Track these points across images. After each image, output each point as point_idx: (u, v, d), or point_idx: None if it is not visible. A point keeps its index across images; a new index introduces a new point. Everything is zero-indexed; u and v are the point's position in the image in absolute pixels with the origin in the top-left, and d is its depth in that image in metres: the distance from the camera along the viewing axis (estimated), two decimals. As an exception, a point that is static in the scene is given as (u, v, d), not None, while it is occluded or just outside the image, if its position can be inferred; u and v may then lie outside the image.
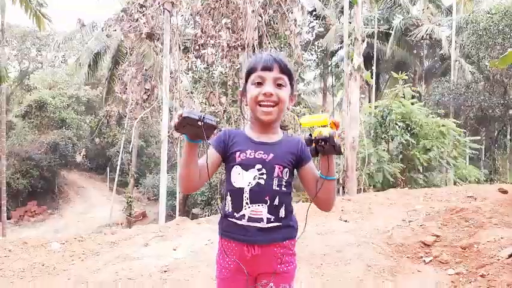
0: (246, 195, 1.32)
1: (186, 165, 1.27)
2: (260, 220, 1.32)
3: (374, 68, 17.27)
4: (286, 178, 1.35)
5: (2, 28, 12.45)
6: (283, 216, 1.35)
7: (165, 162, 7.14)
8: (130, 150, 18.03)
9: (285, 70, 1.35)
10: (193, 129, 1.15)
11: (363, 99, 13.24)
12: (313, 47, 19.37)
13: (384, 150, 10.79)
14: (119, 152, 16.50)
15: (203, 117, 1.13)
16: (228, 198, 1.36)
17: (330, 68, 20.51)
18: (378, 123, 10.92)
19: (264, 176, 1.32)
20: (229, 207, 1.36)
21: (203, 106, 9.77)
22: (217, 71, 12.04)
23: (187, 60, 8.02)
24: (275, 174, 1.33)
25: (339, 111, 21.19)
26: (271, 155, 1.34)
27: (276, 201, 1.33)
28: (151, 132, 23.10)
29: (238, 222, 1.33)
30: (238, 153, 1.35)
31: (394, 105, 10.46)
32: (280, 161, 1.35)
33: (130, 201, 16.79)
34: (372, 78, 14.37)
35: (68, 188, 24.81)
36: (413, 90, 10.96)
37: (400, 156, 11.35)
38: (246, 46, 8.24)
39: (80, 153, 23.84)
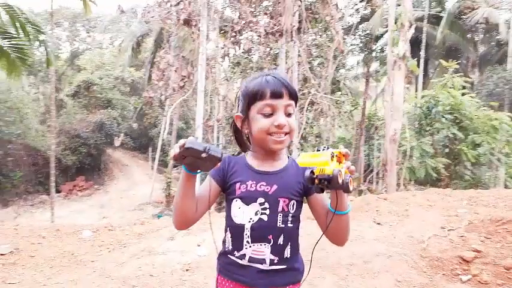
0: (247, 232, 1.18)
1: (181, 198, 1.15)
2: (262, 261, 1.17)
3: (422, 53, 16.26)
4: (292, 212, 1.20)
5: (51, 12, 12.98)
6: (288, 256, 1.20)
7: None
8: (170, 132, 18.46)
9: (293, 95, 1.21)
10: (194, 161, 1.04)
11: (408, 89, 12.50)
12: (357, 30, 18.52)
13: (428, 143, 10.22)
14: (160, 133, 16.96)
15: (208, 149, 1.02)
16: (228, 234, 1.23)
17: (374, 52, 19.59)
18: (422, 115, 10.32)
19: (267, 211, 1.18)
20: (229, 244, 1.22)
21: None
22: (256, 56, 11.86)
23: (223, 47, 7.91)
24: (280, 209, 1.18)
25: (382, 98, 20.33)
26: (275, 186, 1.20)
27: (281, 240, 1.18)
28: (192, 114, 23.50)
29: (239, 261, 1.20)
30: (238, 185, 1.21)
31: (441, 95, 9.80)
32: (285, 192, 1.19)
33: (169, 182, 17.29)
34: (419, 66, 13.53)
35: (112, 166, 25.99)
36: (464, 81, 10.18)
37: (446, 150, 10.71)
38: (284, 32, 7.98)
39: (118, 138, 24.77)
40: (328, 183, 0.99)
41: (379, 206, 4.97)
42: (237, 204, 1.21)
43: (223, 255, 1.26)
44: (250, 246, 1.18)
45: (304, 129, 10.41)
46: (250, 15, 7.95)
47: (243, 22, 7.93)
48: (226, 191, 1.25)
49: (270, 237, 1.17)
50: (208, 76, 7.84)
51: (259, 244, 1.17)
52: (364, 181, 16.27)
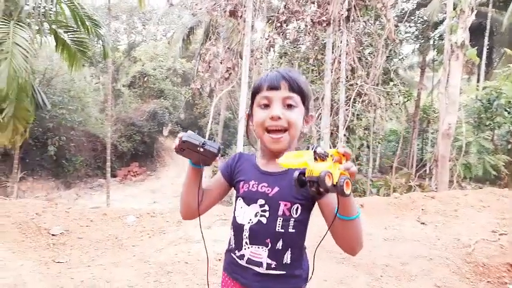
0: (246, 233, 1.15)
1: (185, 189, 1.18)
2: (259, 264, 1.13)
3: (486, 41, 15.00)
4: (296, 216, 1.12)
5: (108, 6, 13.67)
6: (288, 262, 1.13)
7: (241, 141, 7.25)
8: (218, 122, 18.83)
9: (295, 88, 1.14)
10: (193, 154, 1.07)
11: (468, 79, 11.63)
12: (413, 17, 17.49)
13: (487, 139, 9.49)
14: (207, 123, 17.38)
15: (203, 143, 1.04)
16: (232, 232, 1.22)
17: (432, 40, 18.41)
18: (482, 108, 9.59)
19: (267, 214, 1.13)
20: (232, 242, 1.21)
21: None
22: (303, 46, 11.65)
23: (267, 38, 7.86)
24: (280, 213, 1.12)
25: (438, 89, 19.14)
26: (276, 189, 1.13)
27: (279, 245, 1.12)
28: (238, 105, 23.74)
29: (239, 261, 1.17)
30: (242, 184, 1.20)
31: (504, 87, 9.01)
32: (287, 196, 1.12)
33: (215, 170, 17.72)
34: (482, 55, 12.50)
35: (164, 153, 27.14)
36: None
37: (508, 147, 9.89)
38: (331, 21, 7.74)
39: (166, 127, 25.69)
40: (318, 185, 0.87)
41: (425, 204, 4.72)
42: (239, 203, 1.19)
43: (227, 252, 1.25)
44: (248, 248, 1.15)
45: (351, 121, 10.11)
46: (296, 4, 7.80)
47: (289, 11, 7.81)
48: (235, 188, 1.24)
49: (268, 241, 1.12)
50: (253, 67, 7.84)
51: (256, 246, 1.14)
52: (416, 177, 15.50)
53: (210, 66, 8.08)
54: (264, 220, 1.13)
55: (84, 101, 18.89)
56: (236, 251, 1.18)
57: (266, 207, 1.13)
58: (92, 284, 2.55)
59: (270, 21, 9.40)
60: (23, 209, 3.51)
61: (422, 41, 17.94)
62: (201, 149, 1.04)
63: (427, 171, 15.44)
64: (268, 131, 1.14)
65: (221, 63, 7.97)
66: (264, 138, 1.15)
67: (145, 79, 24.95)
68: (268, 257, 1.12)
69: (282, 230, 1.11)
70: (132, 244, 3.26)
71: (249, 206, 1.16)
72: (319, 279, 2.61)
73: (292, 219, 1.12)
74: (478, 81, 15.90)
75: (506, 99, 8.95)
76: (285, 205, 1.12)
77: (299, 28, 8.71)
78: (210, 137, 19.55)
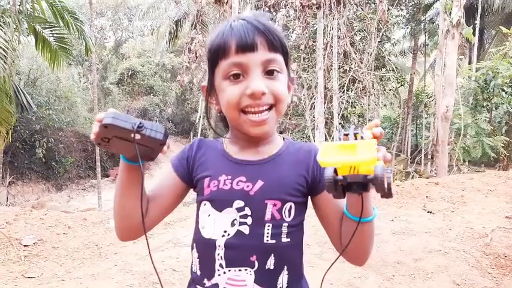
0: (220, 252, 0.78)
1: (121, 199, 0.78)
2: None
3: (478, 22, 14.77)
4: (289, 219, 0.80)
5: (90, 1, 13.17)
6: (285, 286, 0.81)
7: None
8: (210, 116, 18.48)
9: (276, 44, 0.78)
10: (124, 145, 0.67)
11: (461, 60, 11.38)
12: (404, 0, 17.20)
13: (485, 120, 9.27)
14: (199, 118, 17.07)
15: (139, 126, 0.65)
16: (195, 253, 0.84)
17: (423, 24, 18.14)
18: (479, 89, 9.34)
19: (249, 220, 0.78)
20: (196, 268, 0.84)
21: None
22: (294, 34, 11.31)
23: (256, 24, 7.48)
24: (267, 217, 0.78)
25: (431, 74, 18.94)
26: (260, 183, 0.80)
27: (270, 263, 0.78)
28: (230, 98, 23.44)
29: None
30: (207, 181, 0.82)
31: (501, 67, 8.76)
32: (275, 192, 0.79)
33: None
34: (474, 35, 12.27)
35: (157, 151, 26.77)
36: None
37: (505, 127, 9.68)
38: (322, 4, 7.40)
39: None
40: (363, 188, 0.60)
41: (430, 191, 4.46)
42: (206, 209, 0.82)
43: (190, 282, 0.88)
44: (224, 273, 0.79)
45: (346, 108, 9.82)
46: (284, -13, 7.46)
47: (277, -4, 7.45)
48: (195, 189, 0.87)
49: (253, 259, 0.78)
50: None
51: (237, 269, 0.78)
52: (412, 162, 15.34)
53: (197, 57, 7.70)
54: (245, 230, 0.78)
55: (71, 101, 18.48)
56: (205, 281, 0.81)
57: (247, 211, 0.79)
58: (66, 302, 2.24)
59: (258, 8, 9.04)
60: (-8, 218, 3.17)
61: (414, 24, 17.66)
62: (137, 136, 0.65)
63: (423, 157, 15.27)
64: (246, 112, 0.78)
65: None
66: (240, 121, 0.80)
67: (133, 76, 24.49)
68: (256, 282, 0.78)
69: (273, 241, 0.78)
70: (113, 252, 2.94)
71: (221, 211, 0.80)
72: (324, 282, 2.32)
73: (285, 224, 0.79)
74: (469, 62, 15.70)
75: (503, 79, 8.71)
76: (274, 205, 0.79)
77: (288, 14, 8.36)
78: (202, 132, 19.21)
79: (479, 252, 2.63)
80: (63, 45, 10.19)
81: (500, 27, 10.64)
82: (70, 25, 9.61)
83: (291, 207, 0.80)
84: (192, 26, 16.38)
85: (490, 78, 8.89)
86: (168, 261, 2.72)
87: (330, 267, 0.80)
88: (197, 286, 0.83)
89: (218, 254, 0.78)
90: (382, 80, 11.88)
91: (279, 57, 0.79)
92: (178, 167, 0.86)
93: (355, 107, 10.81)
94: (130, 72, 24.75)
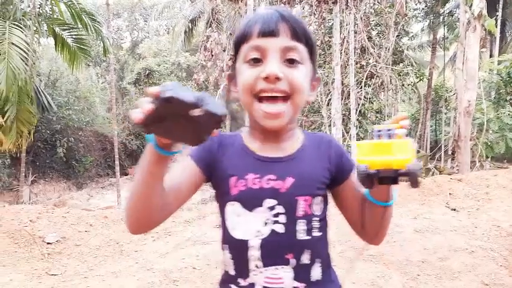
0: (255, 253, 0.78)
1: (143, 190, 0.70)
2: None
3: (499, 14, 14.31)
4: (319, 213, 0.81)
5: (107, 1, 13.36)
6: (319, 278, 0.82)
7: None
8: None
9: (299, 34, 0.77)
10: (176, 126, 0.58)
11: (483, 53, 11.07)
12: (422, -7, 16.80)
13: (509, 115, 8.98)
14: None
15: (202, 100, 0.55)
16: (227, 254, 0.83)
17: (442, 17, 17.69)
18: (501, 83, 9.06)
19: (282, 219, 0.78)
20: (229, 267, 0.83)
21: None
22: (310, 29, 11.16)
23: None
24: (300, 213, 0.79)
25: (450, 68, 18.48)
26: (290, 180, 0.79)
27: (306, 258, 0.80)
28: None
29: None
30: (233, 180, 0.80)
31: (525, 59, 8.47)
32: (306, 187, 0.80)
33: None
34: (496, 27, 11.90)
35: (174, 148, 27.03)
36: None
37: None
38: (338, -1, 7.28)
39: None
40: (394, 181, 0.63)
41: (452, 188, 4.34)
42: (234, 210, 0.80)
43: (223, 283, 0.86)
44: (261, 272, 0.79)
45: (363, 105, 9.67)
46: (300, -17, 7.37)
47: (292, -9, 7.37)
48: (215, 188, 0.84)
49: (290, 256, 0.78)
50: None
51: (274, 268, 0.78)
52: (432, 159, 15.03)
53: (212, 55, 7.71)
54: (279, 228, 0.78)
55: (90, 101, 18.85)
56: (240, 280, 0.81)
57: (279, 209, 0.78)
58: (89, 299, 2.26)
59: (273, 4, 8.97)
60: (16, 216, 3.24)
61: (432, 17, 17.24)
62: (199, 111, 0.55)
63: (443, 154, 14.92)
64: (260, 99, 0.76)
65: (224, 51, 7.59)
66: (253, 110, 0.78)
67: (150, 76, 24.76)
68: (295, 278, 0.79)
69: (308, 237, 0.79)
70: (134, 249, 2.97)
71: (251, 211, 0.79)
72: (347, 281, 2.28)
73: (316, 219, 0.81)
74: (490, 56, 15.24)
75: (528, 72, 8.41)
76: (305, 201, 0.79)
77: (304, 8, 8.28)
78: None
79: (507, 251, 2.53)
80: (81, 47, 10.36)
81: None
82: (88, 26, 9.76)
83: (320, 200, 0.82)
84: (207, 24, 16.44)
85: (513, 71, 8.61)
86: (188, 259, 2.72)
87: (351, 267, 0.77)
88: (231, 285, 0.83)
89: (253, 255, 0.78)
90: (400, 75, 11.65)
91: (301, 47, 0.78)
92: (200, 160, 0.82)
93: (372, 103, 10.64)
94: (146, 72, 25.03)
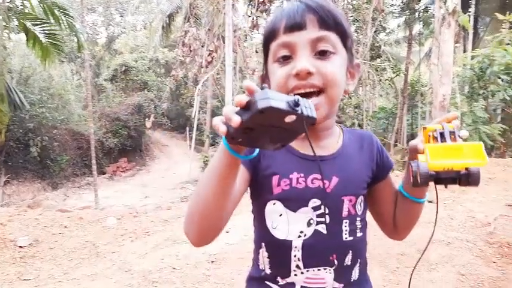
0: (297, 253, 0.76)
1: (215, 197, 0.63)
2: None
3: (472, 10, 14.70)
4: (360, 213, 0.80)
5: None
6: (356, 278, 0.81)
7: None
8: (205, 111, 18.43)
9: (329, 22, 0.72)
10: (263, 134, 0.53)
11: (457, 48, 11.34)
12: (398, -11, 17.07)
13: (482, 108, 9.26)
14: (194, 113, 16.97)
15: (296, 103, 0.49)
16: (264, 253, 0.81)
17: (417, 13, 18.04)
18: (475, 77, 9.32)
19: (326, 219, 0.76)
20: (265, 266, 0.81)
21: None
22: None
23: (250, 16, 7.38)
24: (344, 213, 0.78)
25: (426, 63, 18.89)
26: (335, 179, 0.77)
27: (348, 260, 0.78)
28: (224, 92, 23.30)
29: None
30: (276, 179, 0.77)
31: (497, 54, 8.73)
32: (351, 187, 0.79)
33: (206, 161, 17.35)
34: (469, 22, 12.23)
35: (153, 146, 26.64)
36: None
37: (501, 115, 9.69)
38: (316, -5, 7.27)
39: (149, 119, 25.15)
40: (453, 181, 0.63)
41: (429, 181, 4.42)
42: (275, 209, 0.77)
43: (256, 280, 0.84)
44: (302, 273, 0.77)
45: (342, 100, 9.76)
46: (277, -22, 7.33)
47: (270, -14, 7.33)
48: (254, 186, 0.80)
49: (333, 257, 0.77)
50: (237, 49, 7.38)
51: (316, 269, 0.76)
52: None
53: (191, 50, 7.59)
54: (323, 229, 0.76)
55: (65, 99, 18.32)
56: (278, 279, 0.79)
57: (324, 210, 0.76)
58: (64, 303, 2.18)
59: (251, 0, 8.91)
60: (-15, 220, 3.09)
61: (408, 13, 17.56)
62: (292, 117, 0.50)
63: (420, 146, 15.24)
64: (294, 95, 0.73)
65: (202, 46, 7.48)
66: None
67: (127, 72, 24.25)
68: (336, 279, 0.78)
69: (351, 238, 0.78)
70: (111, 251, 2.89)
71: (295, 211, 0.76)
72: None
73: (359, 219, 0.80)
74: (464, 51, 15.66)
75: (499, 66, 8.68)
76: (350, 201, 0.78)
77: (282, 3, 8.27)
78: (198, 127, 19.08)
79: (483, 241, 2.60)
80: (54, 42, 10.01)
81: (496, 13, 10.59)
82: (61, 21, 9.44)
83: (361, 200, 0.81)
84: (185, 19, 16.20)
85: (486, 66, 8.86)
86: (167, 259, 2.67)
87: (416, 264, 0.85)
88: (268, 283, 0.80)
89: (295, 256, 0.76)
90: (377, 70, 11.83)
91: (332, 36, 0.73)
92: (246, 160, 0.75)
93: (351, 98, 10.76)
94: (123, 68, 24.50)
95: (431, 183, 0.67)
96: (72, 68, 24.26)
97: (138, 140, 24.28)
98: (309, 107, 0.51)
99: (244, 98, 0.49)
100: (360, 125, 13.51)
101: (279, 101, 0.48)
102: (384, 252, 2.52)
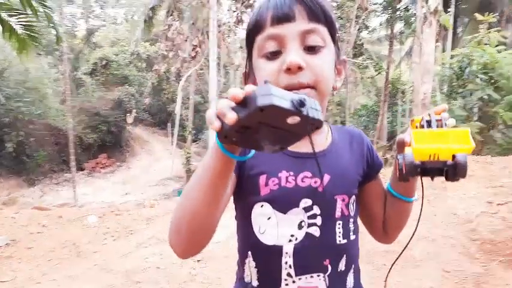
0: (288, 260, 0.70)
1: (206, 202, 0.57)
2: None
3: (452, 10, 15.01)
4: (353, 214, 0.75)
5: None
6: (351, 286, 0.76)
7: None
8: (187, 106, 18.23)
9: (318, 14, 0.67)
10: (262, 134, 0.48)
11: (437, 47, 11.57)
12: (380, -12, 17.27)
13: (460, 107, 9.49)
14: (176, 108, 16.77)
15: (301, 103, 0.44)
16: (250, 262, 0.74)
17: (398, 12, 18.32)
18: (454, 76, 9.51)
19: (318, 220, 0.70)
20: (251, 278, 0.74)
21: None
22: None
23: (235, 11, 7.31)
24: (337, 214, 0.72)
25: (406, 62, 19.23)
26: (327, 177, 0.72)
27: (342, 265, 0.73)
28: (208, 88, 23.10)
29: None
30: (263, 179, 0.71)
31: (475, 53, 8.94)
32: (343, 185, 0.74)
33: (188, 157, 17.19)
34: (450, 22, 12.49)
35: (133, 142, 26.22)
36: (502, 36, 9.26)
37: (478, 113, 9.95)
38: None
39: (130, 114, 24.75)
40: (440, 173, 0.60)
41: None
42: (264, 212, 0.71)
43: None
44: (294, 282, 0.70)
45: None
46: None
47: (255, -18, 7.27)
48: (239, 189, 0.73)
49: (327, 262, 0.71)
50: (221, 45, 7.29)
51: (309, 276, 0.70)
52: (389, 149, 15.63)
53: (174, 45, 7.46)
54: (315, 232, 0.70)
55: (42, 92, 17.80)
56: None
57: (315, 210, 0.70)
58: (43, 306, 2.09)
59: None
60: (-43, 219, 2.95)
61: (390, 12, 17.80)
62: (296, 118, 0.44)
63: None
64: None
65: (186, 40, 7.37)
66: None
67: (107, 66, 23.74)
68: (330, 286, 0.71)
69: (345, 241, 0.73)
70: (93, 250, 2.80)
71: (285, 213, 0.70)
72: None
73: (352, 220, 0.75)
74: (443, 50, 16.00)
75: (477, 66, 8.90)
76: (343, 200, 0.73)
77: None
78: (180, 122, 18.85)
79: (466, 238, 2.65)
80: (31, 34, 9.64)
81: (476, 14, 10.85)
82: (38, 12, 9.11)
83: (353, 200, 0.76)
84: (167, 12, 15.94)
85: (465, 65, 9.06)
86: (151, 258, 2.61)
87: (392, 265, 0.83)
88: None
89: (286, 263, 0.70)
90: (360, 68, 11.95)
91: (321, 29, 0.68)
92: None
93: (333, 95, 10.85)
94: (103, 62, 23.97)
95: (418, 179, 0.67)
96: (50, 61, 23.58)
97: (118, 135, 23.89)
98: (315, 108, 0.46)
99: (239, 92, 0.43)
100: (342, 123, 13.65)
101: (283, 99, 0.43)
102: (370, 250, 2.53)
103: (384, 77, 17.89)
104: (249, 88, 0.43)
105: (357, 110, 18.54)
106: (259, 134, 0.47)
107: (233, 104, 0.44)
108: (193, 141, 20.44)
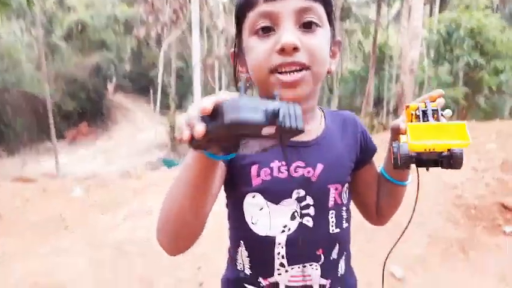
0: (281, 250, 0.69)
1: (191, 203, 0.54)
2: None
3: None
4: (346, 203, 0.74)
5: None
6: (343, 273, 0.76)
7: (198, 91, 6.57)
8: (170, 72, 17.76)
9: None
10: (241, 141, 0.45)
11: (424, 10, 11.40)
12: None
13: (447, 72, 9.54)
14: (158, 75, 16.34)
15: (275, 114, 0.39)
16: (243, 251, 0.73)
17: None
18: (441, 41, 9.47)
19: (311, 211, 0.69)
20: (244, 266, 0.73)
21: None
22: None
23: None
24: (330, 203, 0.71)
25: (393, 25, 18.99)
26: (320, 166, 0.70)
27: (335, 253, 0.73)
28: (190, 53, 22.47)
29: None
30: (254, 169, 0.68)
31: (464, 18, 8.87)
32: (336, 174, 0.72)
33: (172, 125, 16.97)
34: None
35: (115, 110, 25.64)
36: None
37: (464, 79, 10.04)
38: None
39: (111, 82, 24.03)
40: (435, 163, 0.62)
41: (397, 144, 4.53)
42: (256, 202, 0.69)
43: (233, 283, 0.76)
44: (286, 271, 0.70)
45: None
46: None
47: None
48: (231, 179, 0.70)
49: (320, 252, 0.70)
50: (203, 7, 6.99)
51: (301, 266, 0.70)
52: (376, 115, 15.76)
53: (153, 9, 7.11)
54: (308, 222, 0.70)
55: (15, 59, 16.97)
56: (260, 279, 0.72)
57: (308, 201, 0.69)
58: (31, 281, 2.06)
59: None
60: None
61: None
62: (271, 130, 0.40)
63: (385, 110, 15.67)
64: (280, 73, 0.64)
65: (166, 3, 7.03)
66: (268, 82, 0.64)
67: (83, 30, 22.71)
68: (322, 276, 0.71)
69: (338, 230, 0.72)
70: (80, 223, 2.75)
71: (277, 204, 0.69)
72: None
73: (344, 208, 0.74)
74: (430, 15, 15.84)
75: (465, 31, 8.86)
76: (336, 189, 0.72)
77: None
78: (162, 89, 18.41)
79: (452, 204, 2.70)
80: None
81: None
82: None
83: (347, 187, 0.74)
84: (145, -27, 15.13)
85: (452, 30, 9.02)
86: (139, 231, 2.58)
87: (390, 252, 0.82)
88: (247, 286, 0.73)
89: (278, 253, 0.69)
90: (347, 32, 11.75)
91: (317, 7, 0.64)
92: None
93: (326, 78, 10.72)
94: (79, 26, 22.89)
95: (413, 166, 0.67)
96: (22, 26, 22.34)
97: (98, 103, 23.31)
98: (293, 115, 0.42)
99: (209, 104, 0.40)
100: (330, 89, 13.58)
101: (254, 111, 0.39)
102: (357, 224, 2.56)
103: (371, 41, 17.72)
104: (220, 97, 0.40)
105: (345, 77, 18.45)
106: (234, 143, 0.45)
107: (201, 116, 0.41)
108: (177, 107, 20.11)
